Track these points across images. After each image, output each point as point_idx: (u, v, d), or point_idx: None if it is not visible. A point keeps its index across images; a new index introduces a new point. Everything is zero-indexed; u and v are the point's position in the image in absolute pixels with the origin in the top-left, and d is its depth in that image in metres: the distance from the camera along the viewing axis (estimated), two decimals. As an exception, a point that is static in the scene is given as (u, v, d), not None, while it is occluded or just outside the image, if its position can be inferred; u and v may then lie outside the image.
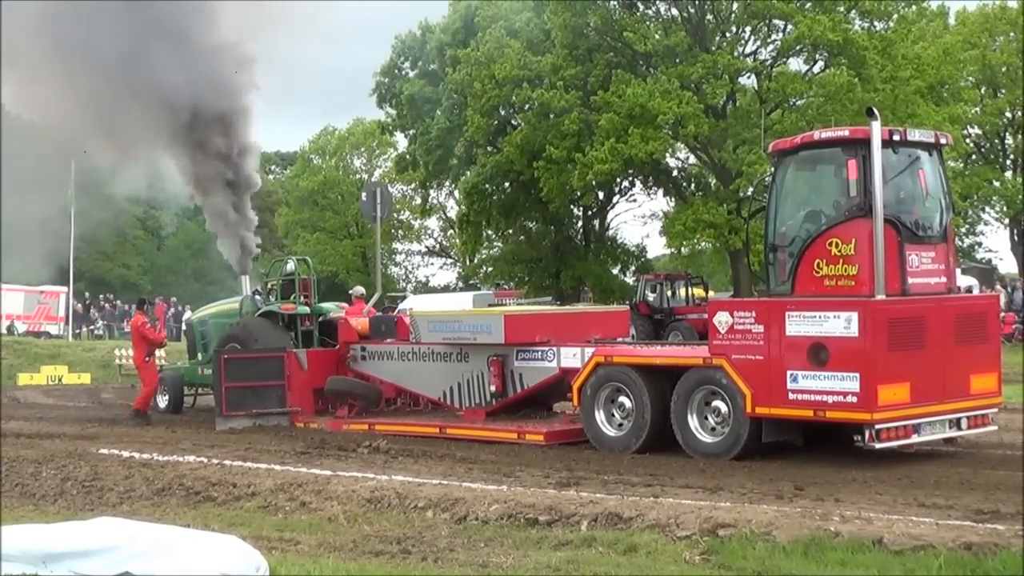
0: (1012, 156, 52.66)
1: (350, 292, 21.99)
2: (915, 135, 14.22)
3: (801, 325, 13.35)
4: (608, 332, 17.31)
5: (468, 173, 50.12)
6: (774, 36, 41.46)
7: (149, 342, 20.85)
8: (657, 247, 62.10)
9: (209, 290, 48.50)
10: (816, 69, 40.82)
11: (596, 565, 8.82)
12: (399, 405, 19.37)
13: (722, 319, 14.04)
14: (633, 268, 55.22)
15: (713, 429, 14.33)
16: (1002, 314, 27.82)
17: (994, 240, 61.59)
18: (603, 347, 15.70)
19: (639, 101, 37.93)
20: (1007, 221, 53.58)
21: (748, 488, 11.88)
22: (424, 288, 70.49)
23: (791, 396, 13.42)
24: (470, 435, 16.62)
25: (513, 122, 47.80)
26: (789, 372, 13.41)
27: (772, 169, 14.70)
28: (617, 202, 55.47)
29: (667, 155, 44.39)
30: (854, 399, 12.93)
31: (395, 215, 68.78)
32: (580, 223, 54.09)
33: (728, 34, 41.87)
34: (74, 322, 49.50)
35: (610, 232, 56.09)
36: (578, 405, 15.65)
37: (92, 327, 53.33)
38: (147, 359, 20.78)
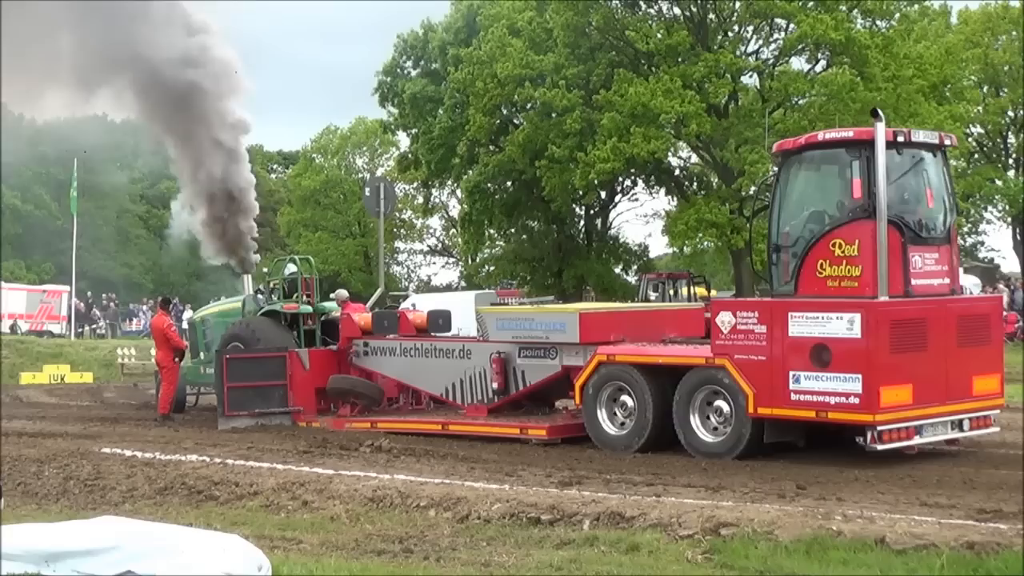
0: (1014, 155, 52.62)
1: (332, 297, 21.56)
2: (919, 136, 14.23)
3: (804, 326, 13.36)
4: (683, 330, 16.61)
5: (470, 172, 50.09)
6: (776, 35, 41.42)
7: (172, 345, 20.85)
8: (659, 246, 62.08)
9: (211, 289, 48.49)
10: (818, 68, 40.79)
11: (598, 564, 8.82)
12: (401, 404, 19.37)
13: (725, 319, 14.05)
14: (635, 267, 55.20)
15: (715, 429, 14.34)
16: (1004, 313, 27.79)
17: (996, 239, 61.76)
18: (606, 346, 15.67)
19: (641, 100, 37.87)
20: (1009, 220, 53.57)
21: (750, 487, 11.88)
22: (426, 287, 70.47)
23: (793, 397, 13.43)
24: (472, 431, 16.64)
25: (515, 121, 47.77)
26: (791, 373, 13.42)
27: (776, 169, 14.70)
28: (619, 201, 55.45)
29: (669, 154, 44.32)
30: (856, 400, 12.94)
31: (397, 214, 68.78)
32: (582, 222, 54.07)
33: (730, 33, 41.83)
34: (76, 321, 49.53)
35: (612, 231, 56.05)
36: (580, 403, 15.65)
37: (94, 326, 53.34)
38: (176, 360, 20.86)
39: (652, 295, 38.23)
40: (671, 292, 38.07)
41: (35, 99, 22.99)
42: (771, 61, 41.44)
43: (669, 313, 18.73)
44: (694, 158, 47.16)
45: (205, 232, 23.07)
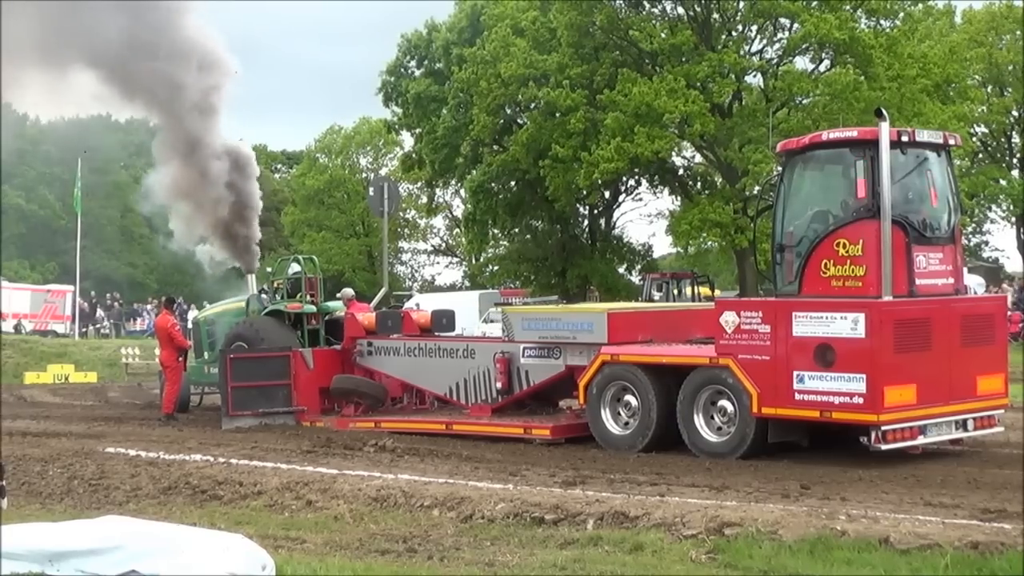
0: (1019, 155, 52.58)
1: (338, 296, 21.60)
2: (923, 136, 14.20)
3: (808, 326, 13.35)
4: (711, 331, 15.80)
5: (474, 172, 50.13)
6: (780, 35, 41.44)
7: (176, 345, 20.85)
8: (663, 246, 62.03)
9: (215, 289, 48.49)
10: (822, 68, 40.81)
11: (602, 564, 8.82)
12: (405, 403, 19.37)
13: (729, 319, 14.04)
14: (639, 267, 55.24)
15: (719, 428, 14.32)
16: (1008, 313, 27.76)
17: (1001, 239, 61.70)
18: (610, 346, 15.65)
19: (645, 100, 37.89)
20: (1014, 220, 53.53)
21: (754, 487, 11.87)
22: (430, 287, 70.50)
23: (797, 396, 13.42)
24: (476, 431, 16.63)
25: (519, 121, 47.80)
26: (795, 372, 13.41)
27: (780, 169, 14.70)
28: (623, 201, 55.51)
29: (673, 154, 44.36)
30: (860, 400, 12.92)
31: (401, 214, 68.79)
32: (586, 222, 54.11)
33: (734, 33, 41.85)
34: (80, 321, 49.53)
35: (616, 231, 56.09)
36: (584, 403, 15.64)
37: (98, 326, 53.34)
38: (180, 359, 20.87)
39: (656, 295, 38.22)
40: (675, 292, 38.06)
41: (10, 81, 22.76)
42: (775, 61, 41.47)
43: (696, 313, 18.14)
44: (698, 158, 47.18)
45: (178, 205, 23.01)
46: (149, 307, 54.63)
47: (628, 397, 15.20)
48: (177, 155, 22.41)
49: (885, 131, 13.17)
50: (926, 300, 13.64)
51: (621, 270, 54.49)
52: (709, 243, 44.29)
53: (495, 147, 48.41)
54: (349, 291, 21.57)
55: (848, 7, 38.81)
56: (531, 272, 52.54)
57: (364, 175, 69.79)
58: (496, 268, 57.22)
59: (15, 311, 48.68)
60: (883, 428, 12.95)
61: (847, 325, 13.04)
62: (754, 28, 41.79)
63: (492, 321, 36.99)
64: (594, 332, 15.69)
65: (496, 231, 54.26)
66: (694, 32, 39.92)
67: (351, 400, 18.87)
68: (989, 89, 50.91)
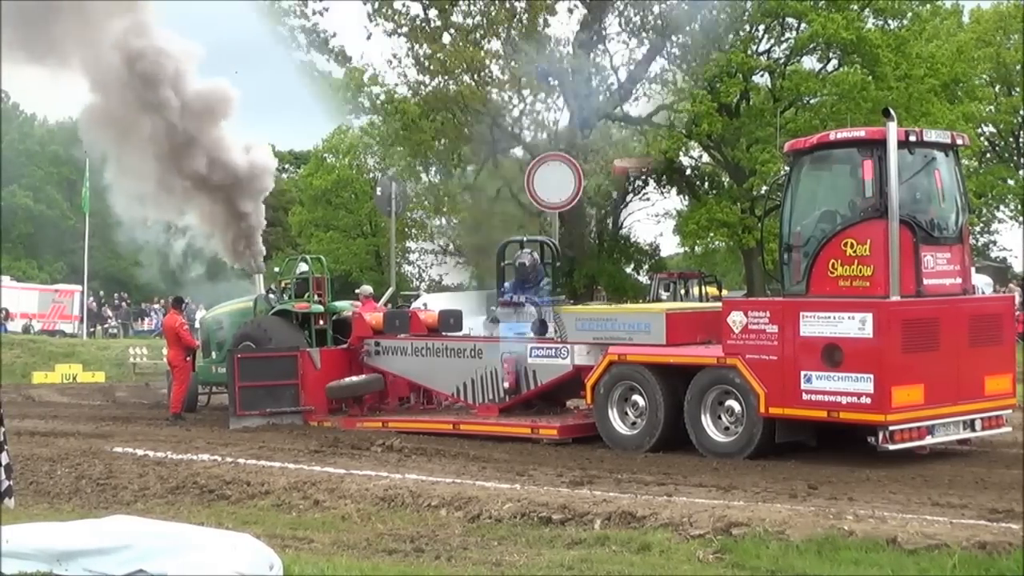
0: (1026, 154, 52.54)
1: (357, 292, 21.79)
2: (931, 136, 14.20)
3: (815, 325, 13.35)
4: None
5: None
6: (787, 34, 41.35)
7: (183, 344, 20.87)
8: (670, 246, 61.88)
9: (223, 288, 48.51)
10: (830, 68, 40.72)
11: (609, 564, 8.82)
12: (412, 403, 19.37)
13: (736, 319, 14.04)
14: (646, 267, 55.13)
15: (727, 428, 14.32)
16: (1016, 313, 27.69)
17: (1008, 239, 61.50)
18: (617, 345, 15.64)
19: (653, 100, 37.92)
20: (1022, 219, 53.42)
21: (761, 487, 11.88)
22: (437, 287, 70.45)
23: (805, 396, 13.42)
24: (484, 431, 16.64)
25: (526, 120, 47.74)
26: (803, 372, 13.41)
27: (787, 169, 14.68)
28: (630, 201, 55.36)
29: (680, 154, 44.29)
30: (868, 400, 12.92)
31: (408, 213, 68.74)
32: (593, 222, 53.98)
33: (742, 32, 41.78)
34: (88, 321, 49.61)
35: (623, 231, 55.99)
36: (591, 403, 15.65)
37: (106, 325, 53.41)
38: (187, 358, 20.89)
39: (663, 295, 38.20)
40: (682, 292, 38.05)
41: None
42: (782, 60, 41.36)
43: None
44: (705, 157, 47.08)
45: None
46: (157, 307, 54.72)
47: (635, 397, 15.21)
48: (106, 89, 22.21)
49: (893, 131, 13.17)
50: (934, 300, 13.63)
51: (628, 270, 54.38)
52: (716, 243, 44.22)
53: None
54: (367, 288, 21.70)
55: (855, 7, 38.70)
56: (538, 272, 52.42)
57: (371, 175, 69.76)
58: (503, 268, 57.08)
59: (23, 311, 48.79)
60: (891, 428, 12.95)
61: (855, 325, 13.03)
62: (761, 28, 41.72)
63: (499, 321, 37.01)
64: (651, 333, 15.39)
65: (503, 231, 54.21)
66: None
67: (358, 399, 18.88)
68: (997, 89, 50.83)
